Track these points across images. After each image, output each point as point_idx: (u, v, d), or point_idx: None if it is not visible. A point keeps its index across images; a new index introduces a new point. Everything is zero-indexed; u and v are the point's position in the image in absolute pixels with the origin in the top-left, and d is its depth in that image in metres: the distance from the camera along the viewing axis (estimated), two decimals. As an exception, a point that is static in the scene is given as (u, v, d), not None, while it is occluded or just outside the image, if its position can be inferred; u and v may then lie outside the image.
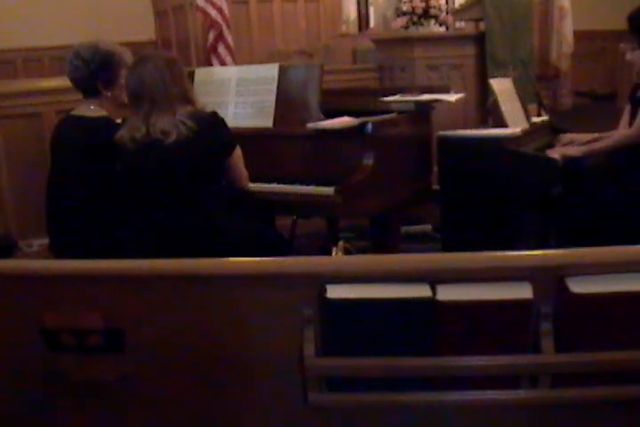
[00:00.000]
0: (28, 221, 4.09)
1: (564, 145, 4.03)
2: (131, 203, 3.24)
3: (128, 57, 3.44)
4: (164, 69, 3.14)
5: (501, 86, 4.22)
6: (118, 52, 3.40)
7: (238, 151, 3.31)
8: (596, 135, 4.03)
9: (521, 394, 1.84)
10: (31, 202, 3.90)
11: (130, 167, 3.19)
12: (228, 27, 6.94)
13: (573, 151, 3.89)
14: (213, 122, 3.21)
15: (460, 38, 5.90)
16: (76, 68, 3.36)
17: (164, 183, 3.14)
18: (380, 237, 3.94)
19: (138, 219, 3.23)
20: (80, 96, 3.48)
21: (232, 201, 3.41)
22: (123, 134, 3.17)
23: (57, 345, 1.86)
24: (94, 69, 3.34)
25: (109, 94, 3.40)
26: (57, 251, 3.50)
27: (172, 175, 3.12)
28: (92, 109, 3.41)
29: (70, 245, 3.41)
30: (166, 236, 3.17)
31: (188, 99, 3.21)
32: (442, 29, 6.31)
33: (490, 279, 1.75)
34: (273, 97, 3.75)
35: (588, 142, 3.96)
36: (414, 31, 6.22)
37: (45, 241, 3.64)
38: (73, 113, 3.48)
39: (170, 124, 3.08)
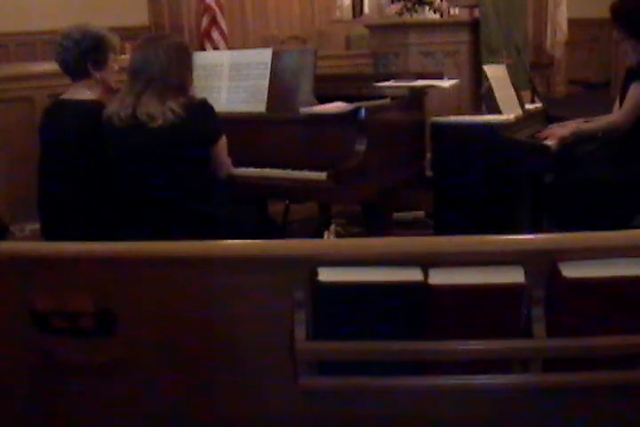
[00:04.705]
0: (20, 206, 4.06)
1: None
2: (119, 187, 3.23)
3: (116, 42, 3.43)
4: (172, 55, 3.12)
5: (495, 73, 4.21)
6: (107, 34, 3.39)
7: (223, 140, 3.28)
8: (582, 121, 4.04)
9: (512, 378, 1.85)
10: (23, 186, 3.88)
11: (115, 146, 3.18)
12: (222, 12, 6.91)
13: (562, 131, 3.89)
14: (202, 110, 3.17)
15: (454, 25, 5.89)
16: (66, 49, 3.33)
17: (148, 167, 3.12)
18: (373, 223, 3.93)
19: (127, 204, 3.22)
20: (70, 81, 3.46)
21: (223, 186, 3.40)
22: (112, 110, 3.14)
23: (47, 328, 1.85)
24: (84, 49, 3.32)
25: (98, 76, 3.37)
26: (49, 236, 3.49)
27: (156, 159, 3.11)
28: (81, 92, 3.38)
29: (62, 231, 3.39)
30: (155, 219, 3.16)
31: (183, 90, 3.17)
32: (436, 16, 6.29)
33: (482, 263, 1.75)
34: (266, 82, 3.73)
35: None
36: (408, 17, 6.20)
37: (38, 226, 3.62)
38: (62, 97, 3.45)
39: (157, 110, 3.05)
